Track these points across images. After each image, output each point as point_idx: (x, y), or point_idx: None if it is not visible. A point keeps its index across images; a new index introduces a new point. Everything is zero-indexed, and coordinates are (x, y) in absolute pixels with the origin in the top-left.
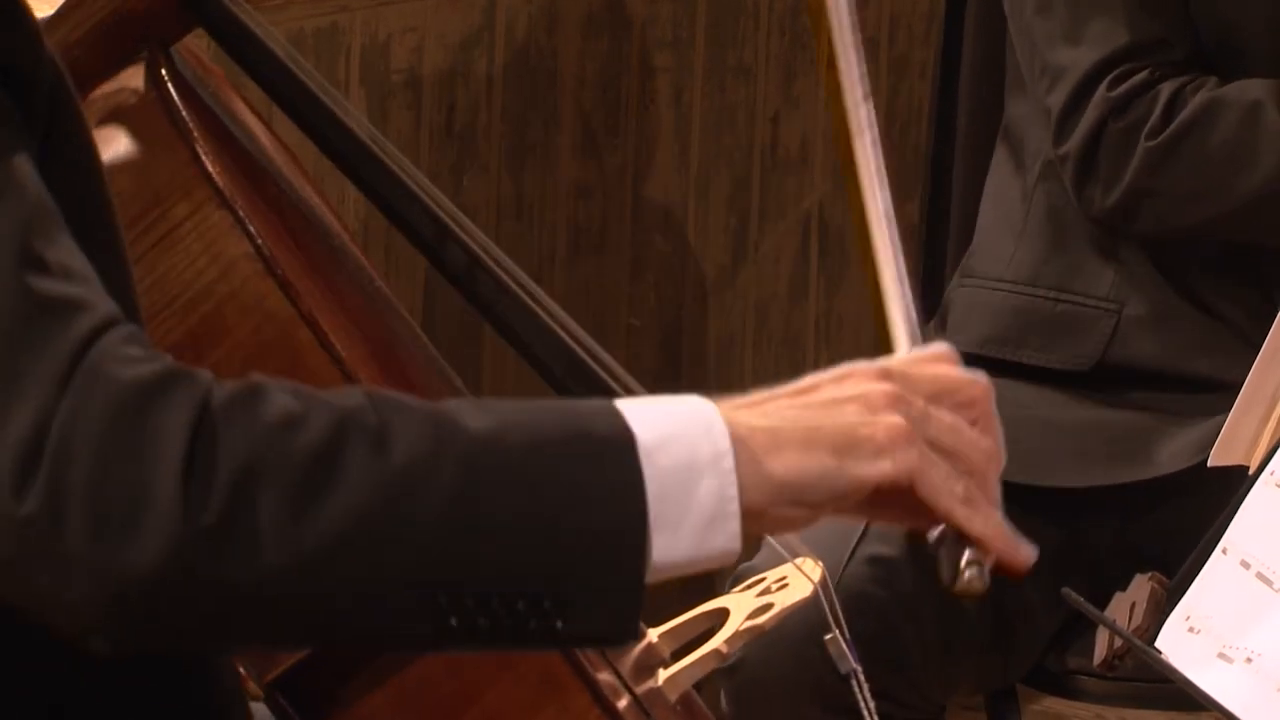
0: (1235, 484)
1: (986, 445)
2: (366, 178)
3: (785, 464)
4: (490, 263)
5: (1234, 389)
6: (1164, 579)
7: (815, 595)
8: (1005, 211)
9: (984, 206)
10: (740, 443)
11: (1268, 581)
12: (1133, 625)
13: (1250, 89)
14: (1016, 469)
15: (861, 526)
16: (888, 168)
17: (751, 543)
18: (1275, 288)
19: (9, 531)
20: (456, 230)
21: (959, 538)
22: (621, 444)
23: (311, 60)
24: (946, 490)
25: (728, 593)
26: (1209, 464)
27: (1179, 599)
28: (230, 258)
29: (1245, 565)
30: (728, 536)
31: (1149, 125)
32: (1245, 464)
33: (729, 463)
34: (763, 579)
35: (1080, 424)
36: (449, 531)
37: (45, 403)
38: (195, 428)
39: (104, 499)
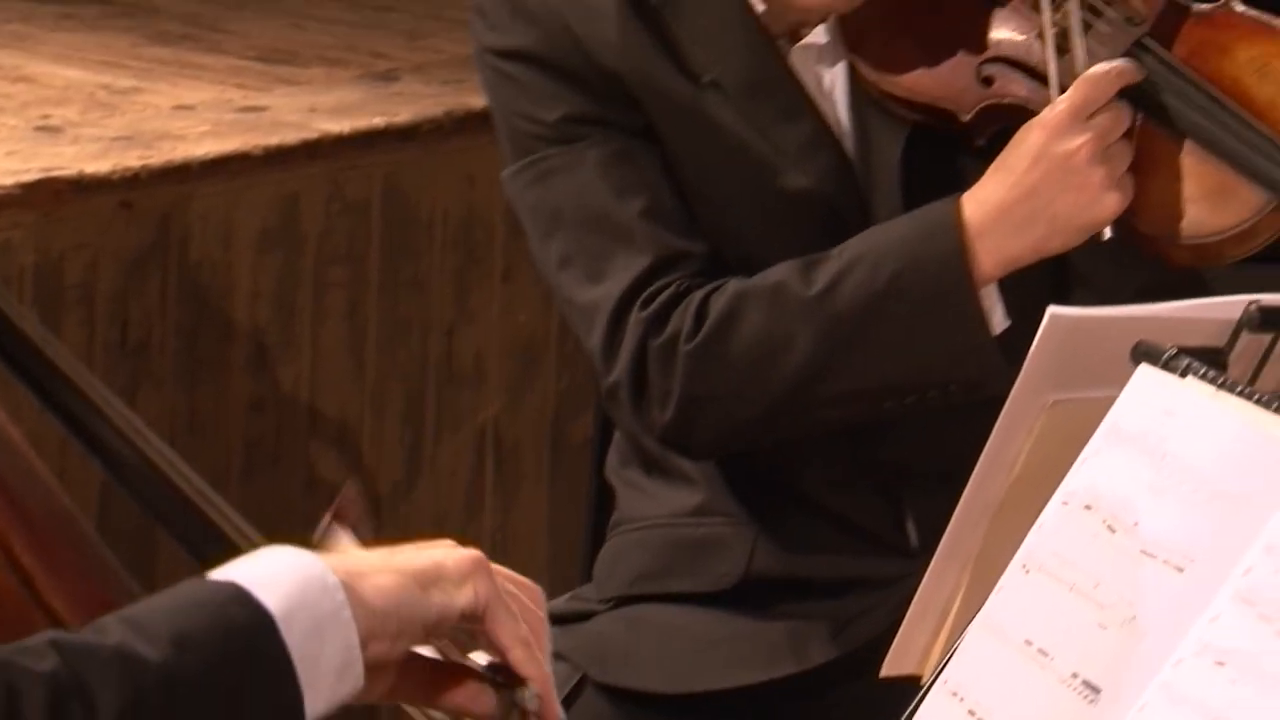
0: (900, 688)
1: (540, 615)
2: (44, 385)
3: (382, 589)
4: (170, 472)
5: (870, 587)
6: None
7: None
8: (633, 460)
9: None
10: (349, 588)
11: None
12: None
13: (772, 273)
14: (669, 680)
15: None
16: (559, 386)
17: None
18: (899, 489)
19: None
20: (136, 439)
21: (509, 678)
22: (265, 626)
23: None
24: (513, 627)
25: None
26: (881, 675)
27: None
28: None
29: None
30: (354, 678)
31: (684, 333)
32: (918, 674)
33: (347, 613)
34: None
35: (732, 634)
36: None
37: None
38: None
39: None
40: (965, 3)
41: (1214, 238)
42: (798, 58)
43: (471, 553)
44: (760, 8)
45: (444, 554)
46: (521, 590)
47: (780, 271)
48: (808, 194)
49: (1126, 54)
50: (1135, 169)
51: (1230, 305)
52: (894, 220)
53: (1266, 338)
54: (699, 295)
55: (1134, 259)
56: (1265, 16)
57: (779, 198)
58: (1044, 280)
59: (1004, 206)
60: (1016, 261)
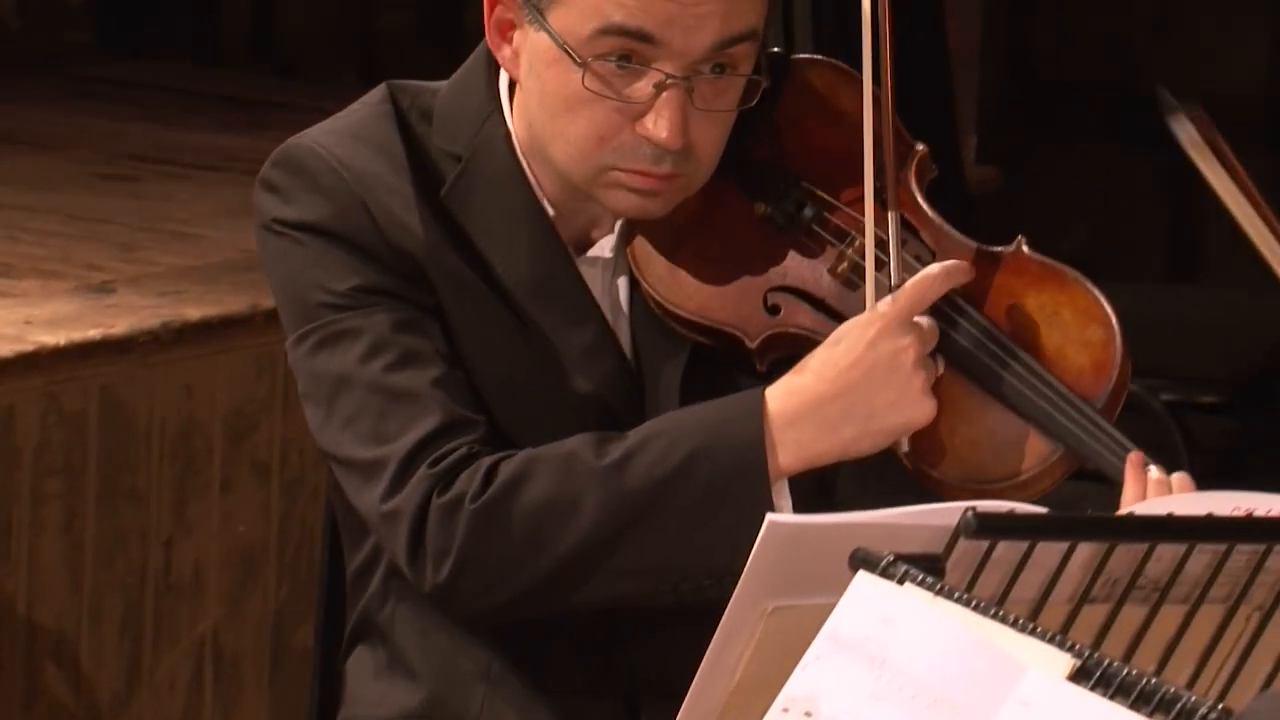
0: None
1: None
2: None
3: None
4: None
5: None
6: None
7: None
8: (358, 648)
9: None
10: None
11: None
12: None
13: (567, 443)
14: None
15: None
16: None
17: None
18: (637, 699)
19: None
20: None
21: None
22: None
23: None
24: None
25: None
26: None
27: None
28: None
29: None
30: None
31: (470, 493)
32: None
33: None
34: None
35: None
36: None
37: None
38: None
39: None
40: (755, 231)
41: (996, 484)
42: (584, 268)
43: None
44: (551, 212)
45: None
46: None
47: (575, 442)
48: (590, 397)
49: None
50: None
51: (947, 512)
52: (700, 404)
53: (983, 544)
54: (489, 460)
55: (900, 486)
56: (1054, 262)
57: (563, 396)
58: (809, 498)
59: (819, 400)
60: (820, 459)
